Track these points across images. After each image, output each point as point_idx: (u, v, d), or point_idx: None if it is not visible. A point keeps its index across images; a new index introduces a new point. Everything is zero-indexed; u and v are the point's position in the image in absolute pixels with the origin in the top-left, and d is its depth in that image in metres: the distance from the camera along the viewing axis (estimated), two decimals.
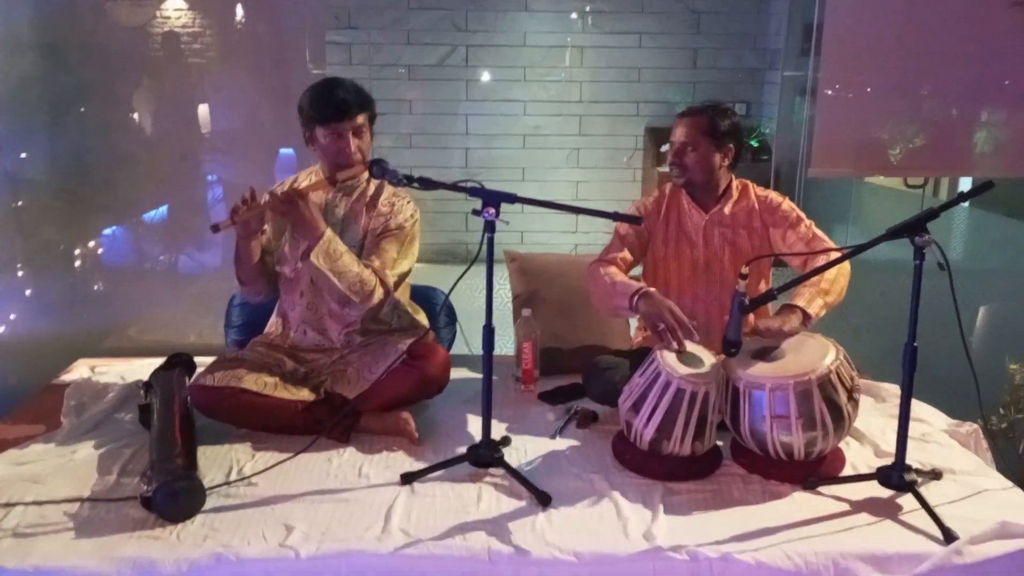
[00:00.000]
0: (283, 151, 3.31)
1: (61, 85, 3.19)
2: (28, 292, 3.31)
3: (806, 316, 2.30)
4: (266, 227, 2.52)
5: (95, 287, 3.40)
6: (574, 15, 5.93)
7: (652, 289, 2.36)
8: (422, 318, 2.71)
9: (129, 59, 3.15)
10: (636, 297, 2.34)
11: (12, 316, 3.27)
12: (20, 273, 3.30)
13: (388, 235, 2.49)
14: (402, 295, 2.66)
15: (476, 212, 2.08)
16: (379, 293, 2.41)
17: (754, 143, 5.83)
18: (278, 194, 2.36)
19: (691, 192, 2.63)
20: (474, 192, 2.10)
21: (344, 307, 2.44)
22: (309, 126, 2.45)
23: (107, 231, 3.41)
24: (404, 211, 2.52)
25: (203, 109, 3.32)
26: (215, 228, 2.31)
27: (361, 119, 2.44)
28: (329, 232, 2.36)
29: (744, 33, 6.00)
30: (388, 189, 2.53)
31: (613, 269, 2.53)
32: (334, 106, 2.39)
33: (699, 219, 2.61)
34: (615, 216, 2.22)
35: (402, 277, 2.51)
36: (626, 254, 2.60)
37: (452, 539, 1.91)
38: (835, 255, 2.25)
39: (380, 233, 2.49)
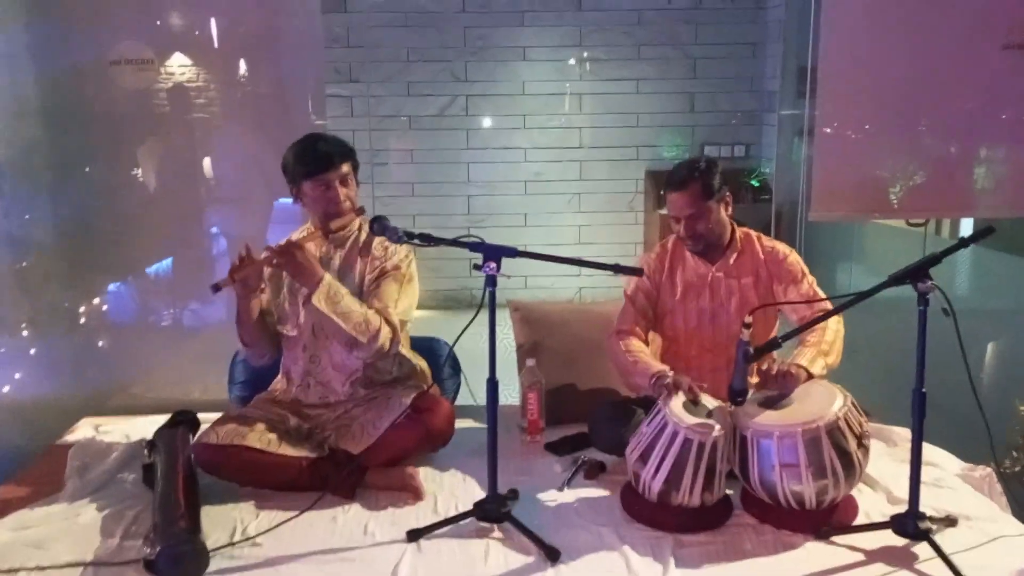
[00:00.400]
0: (280, 201, 3.33)
1: (65, 148, 3.23)
2: (32, 352, 3.32)
3: (809, 375, 2.30)
4: (264, 286, 2.53)
5: (99, 344, 3.41)
6: (572, 61, 6.01)
7: (671, 372, 2.37)
8: (423, 365, 2.70)
9: (132, 121, 3.19)
10: (655, 379, 2.36)
11: (17, 376, 3.27)
12: (25, 333, 3.30)
13: (386, 276, 2.50)
14: (404, 345, 2.65)
15: (477, 267, 2.08)
16: (386, 332, 2.39)
17: (755, 183, 5.86)
18: (274, 248, 2.37)
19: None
20: (475, 247, 2.11)
21: (353, 350, 2.42)
22: (296, 182, 2.50)
23: (112, 287, 3.42)
24: (399, 252, 2.54)
25: (206, 163, 3.35)
26: (215, 288, 2.32)
27: (346, 168, 2.48)
28: (328, 276, 2.37)
29: (740, 76, 6.07)
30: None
31: (634, 343, 2.54)
32: (318, 158, 2.44)
33: (705, 271, 2.61)
34: (616, 268, 2.22)
35: (405, 319, 2.51)
36: (640, 318, 2.61)
37: None
38: (834, 308, 2.25)
39: (377, 277, 2.50)
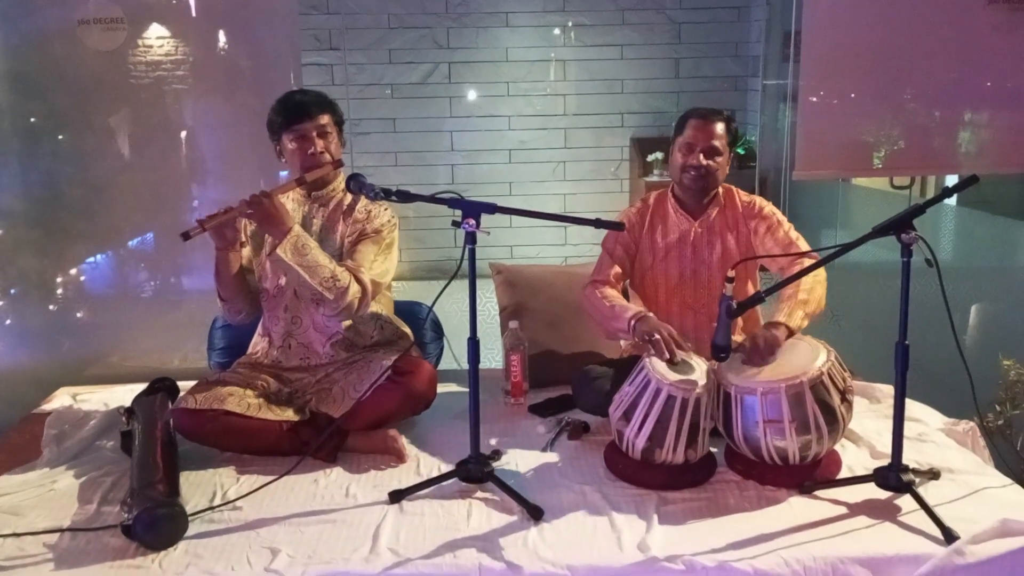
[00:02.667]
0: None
1: (34, 113, 3.15)
2: (8, 322, 3.26)
3: (789, 330, 2.27)
4: (245, 240, 2.49)
5: (77, 315, 3.35)
6: (556, 30, 5.94)
7: (650, 313, 2.35)
8: (406, 329, 2.67)
9: (104, 85, 3.12)
10: (634, 320, 2.32)
11: None
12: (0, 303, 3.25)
13: (364, 239, 2.47)
14: (386, 308, 2.62)
15: (456, 223, 2.05)
16: (354, 289, 2.34)
17: (740, 151, 5.83)
18: (246, 198, 2.33)
19: (678, 199, 2.60)
20: (453, 203, 2.07)
21: (320, 307, 2.39)
22: (277, 136, 2.47)
23: (89, 260, 3.36)
24: (381, 216, 2.50)
25: (182, 133, 3.29)
26: (185, 236, 2.28)
27: (324, 119, 2.45)
28: (298, 228, 2.34)
29: (725, 42, 6.02)
30: (365, 199, 2.51)
31: (609, 291, 2.51)
32: (295, 108, 2.42)
33: (687, 226, 2.58)
34: (597, 223, 2.19)
35: (380, 280, 2.45)
36: (617, 270, 2.57)
37: (442, 557, 1.87)
38: (817, 256, 2.23)
39: (357, 239, 2.47)
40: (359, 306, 2.38)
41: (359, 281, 2.37)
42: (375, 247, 2.46)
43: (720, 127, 2.49)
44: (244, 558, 1.87)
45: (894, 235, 1.95)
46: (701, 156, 2.49)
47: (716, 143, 2.48)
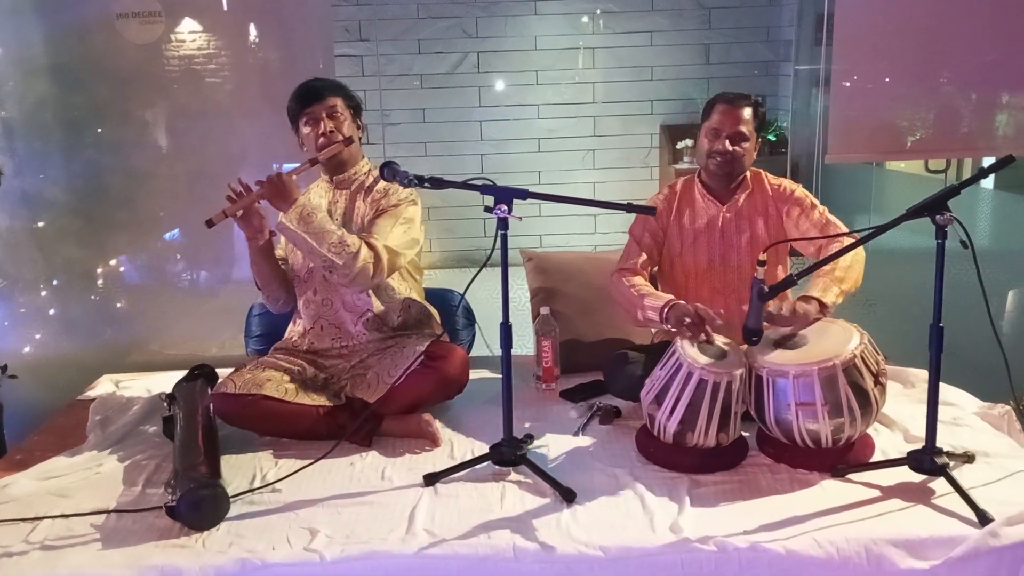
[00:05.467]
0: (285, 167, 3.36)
1: (75, 105, 3.23)
2: (52, 311, 3.35)
3: (822, 305, 2.26)
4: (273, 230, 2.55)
5: (117, 304, 3.43)
6: (585, 18, 5.92)
7: (680, 301, 2.34)
8: (433, 312, 2.71)
9: (142, 78, 3.19)
10: (666, 308, 2.32)
11: (37, 336, 3.31)
12: (43, 293, 3.33)
13: (382, 213, 2.50)
14: (417, 294, 2.66)
15: (488, 209, 2.07)
16: (365, 254, 2.35)
17: (772, 137, 5.78)
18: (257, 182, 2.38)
19: (705, 184, 2.60)
20: (485, 189, 2.09)
21: (332, 273, 2.40)
22: (295, 125, 2.54)
23: (128, 250, 3.44)
24: (399, 192, 2.53)
25: (218, 125, 3.34)
26: (209, 223, 2.34)
27: (334, 101, 2.51)
28: (304, 199, 2.38)
29: (756, 26, 5.95)
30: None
31: (638, 279, 2.52)
32: (307, 92, 2.50)
33: (715, 211, 2.58)
34: (629, 208, 2.20)
35: (398, 250, 2.45)
36: (644, 258, 2.58)
37: (476, 538, 1.89)
38: (851, 238, 2.21)
39: (375, 214, 2.51)
40: (374, 272, 2.38)
41: (371, 246, 2.38)
42: (392, 220, 2.49)
43: (747, 112, 2.48)
44: (284, 538, 1.92)
45: (928, 217, 1.93)
46: (727, 142, 2.48)
47: (743, 128, 2.47)
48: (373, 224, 2.48)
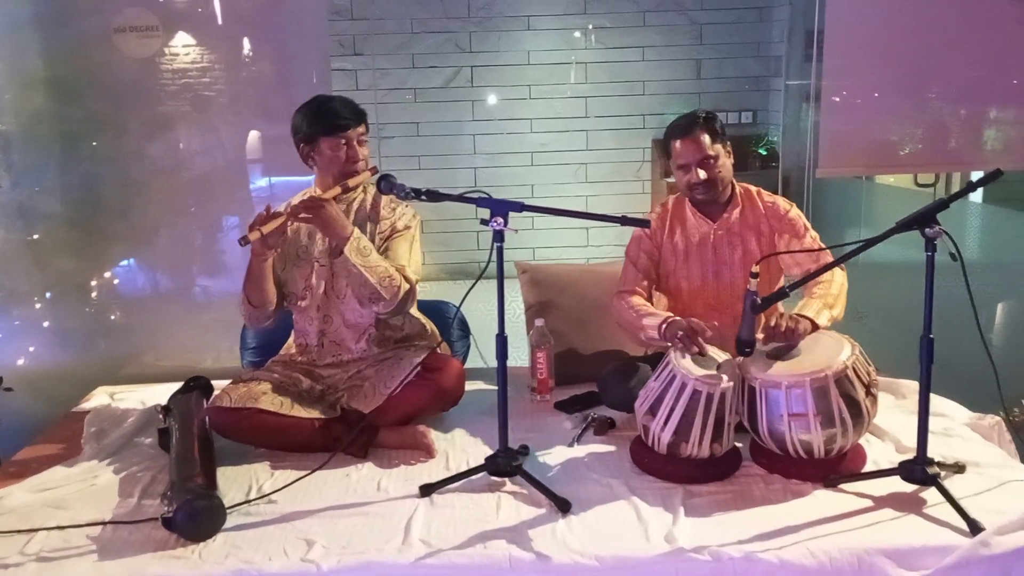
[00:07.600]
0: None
1: (72, 118, 3.24)
2: (47, 324, 3.35)
3: (814, 326, 2.29)
4: (279, 247, 2.55)
5: (112, 316, 3.44)
6: (577, 33, 5.97)
7: (677, 318, 2.36)
8: (431, 325, 2.73)
9: (138, 91, 3.21)
10: (663, 325, 2.35)
11: (31, 348, 3.31)
12: (38, 305, 3.34)
13: (396, 236, 2.54)
14: (413, 307, 2.67)
15: (484, 222, 2.09)
16: (404, 287, 2.43)
17: (762, 151, 5.83)
18: (300, 203, 2.38)
19: (696, 202, 2.62)
20: (481, 202, 2.12)
21: (374, 304, 2.43)
22: (311, 142, 2.50)
23: (123, 262, 3.45)
24: (406, 213, 2.58)
25: (214, 138, 3.36)
26: (243, 241, 2.33)
27: (362, 128, 2.53)
28: (356, 230, 2.41)
29: (747, 42, 6.02)
30: (385, 196, 2.56)
31: (636, 299, 2.54)
32: (339, 116, 2.48)
33: (707, 228, 2.60)
34: (623, 220, 2.22)
35: (418, 276, 2.54)
36: (643, 281, 2.60)
37: (472, 548, 1.91)
38: (841, 268, 2.24)
39: (388, 236, 2.54)
40: (409, 302, 2.47)
41: (407, 279, 2.45)
42: (407, 244, 2.54)
43: (704, 136, 2.49)
44: (281, 549, 1.92)
45: (918, 230, 1.96)
46: (698, 172, 2.51)
47: (708, 152, 2.49)
48: (389, 248, 2.52)
